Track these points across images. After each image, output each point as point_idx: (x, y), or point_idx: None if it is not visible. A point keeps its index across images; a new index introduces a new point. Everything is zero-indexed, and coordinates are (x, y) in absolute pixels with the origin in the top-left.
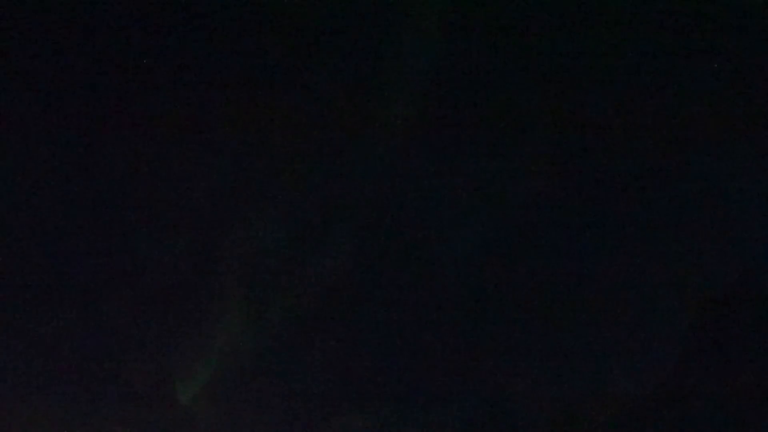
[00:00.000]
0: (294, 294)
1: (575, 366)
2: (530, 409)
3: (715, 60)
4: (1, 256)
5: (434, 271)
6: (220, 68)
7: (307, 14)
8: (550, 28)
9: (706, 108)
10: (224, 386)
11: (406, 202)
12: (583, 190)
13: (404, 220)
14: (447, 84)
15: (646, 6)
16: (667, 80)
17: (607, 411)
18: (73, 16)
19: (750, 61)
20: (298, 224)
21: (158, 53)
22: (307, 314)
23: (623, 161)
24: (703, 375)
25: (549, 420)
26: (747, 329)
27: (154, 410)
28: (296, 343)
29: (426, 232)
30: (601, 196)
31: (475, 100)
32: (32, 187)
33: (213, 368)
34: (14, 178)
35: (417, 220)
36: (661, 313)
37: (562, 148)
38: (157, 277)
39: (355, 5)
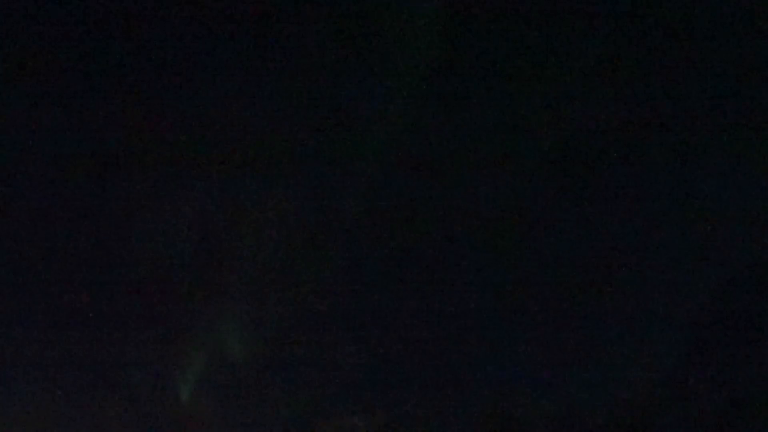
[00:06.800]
0: (294, 293)
1: (574, 366)
2: (530, 409)
3: (718, 57)
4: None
5: (435, 270)
6: (215, 69)
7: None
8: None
9: (708, 106)
10: (224, 386)
11: (407, 200)
12: (582, 191)
13: (404, 220)
14: (444, 84)
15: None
16: (668, 78)
17: (607, 411)
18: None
19: (753, 60)
20: (297, 223)
21: (154, 53)
22: (306, 313)
23: (622, 159)
24: (703, 375)
25: (549, 420)
26: (748, 328)
27: (154, 410)
28: (296, 342)
29: (426, 231)
30: (601, 196)
31: (473, 101)
32: (32, 186)
33: (212, 368)
34: (14, 177)
35: (417, 218)
36: (661, 313)
37: (562, 146)
38: (156, 277)
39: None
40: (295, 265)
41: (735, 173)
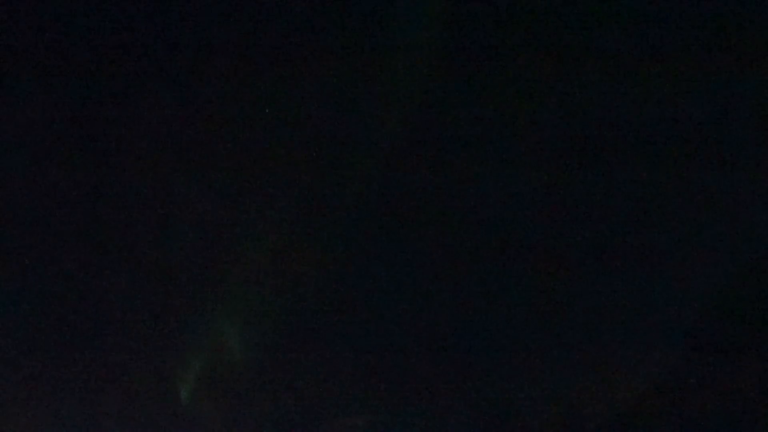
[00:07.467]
0: (293, 292)
1: (574, 366)
2: (530, 408)
3: (716, 58)
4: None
5: (435, 270)
6: (214, 66)
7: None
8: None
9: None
10: (223, 386)
11: (406, 199)
12: (582, 190)
13: (404, 217)
14: (444, 84)
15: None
16: (666, 80)
17: (607, 411)
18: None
19: (751, 61)
20: (297, 221)
21: (153, 53)
22: (306, 313)
23: (621, 159)
24: (703, 375)
25: (550, 420)
26: (747, 329)
27: (154, 410)
28: (296, 342)
29: (426, 230)
30: (601, 195)
31: (473, 101)
32: (31, 186)
33: (212, 368)
34: (13, 178)
35: (416, 217)
36: (661, 313)
37: (561, 146)
38: (156, 276)
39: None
40: (295, 265)
41: (736, 172)
